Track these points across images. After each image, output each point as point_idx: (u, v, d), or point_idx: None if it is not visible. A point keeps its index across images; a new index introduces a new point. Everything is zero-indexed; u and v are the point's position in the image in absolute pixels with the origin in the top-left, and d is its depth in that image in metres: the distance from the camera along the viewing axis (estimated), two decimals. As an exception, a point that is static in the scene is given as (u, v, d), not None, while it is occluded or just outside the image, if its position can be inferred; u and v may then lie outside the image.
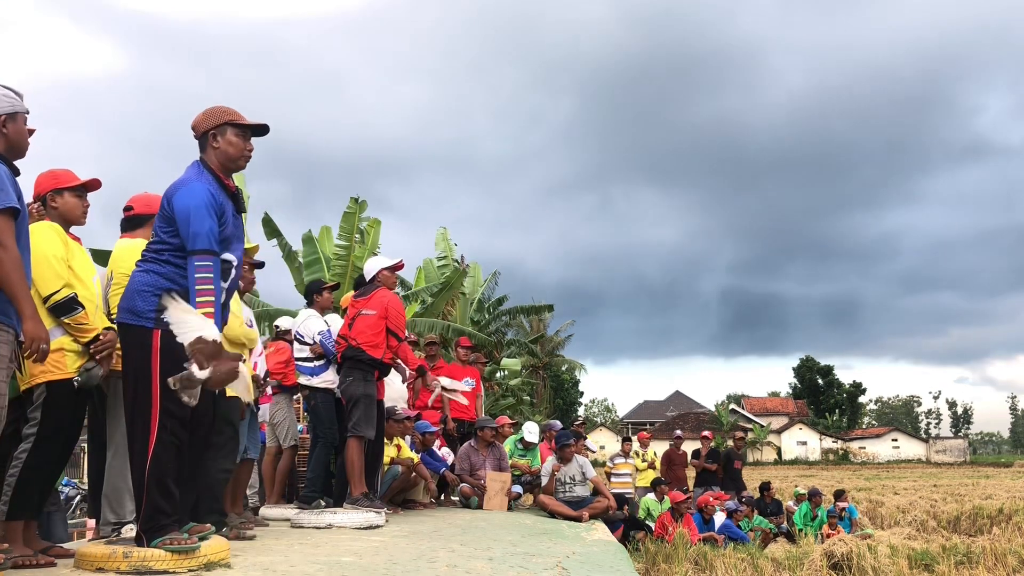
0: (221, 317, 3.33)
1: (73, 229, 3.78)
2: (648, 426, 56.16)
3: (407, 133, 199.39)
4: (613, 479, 12.46)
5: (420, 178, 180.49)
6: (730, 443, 14.02)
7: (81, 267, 3.66)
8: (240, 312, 4.53)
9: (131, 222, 4.24)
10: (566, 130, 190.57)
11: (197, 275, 3.14)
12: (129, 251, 4.13)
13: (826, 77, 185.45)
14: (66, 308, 3.47)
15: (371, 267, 6.19)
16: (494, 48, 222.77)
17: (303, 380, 6.41)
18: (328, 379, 6.34)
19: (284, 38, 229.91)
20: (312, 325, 6.43)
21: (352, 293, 6.42)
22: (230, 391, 3.79)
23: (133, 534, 3.83)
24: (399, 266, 6.26)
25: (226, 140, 3.39)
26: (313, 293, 6.66)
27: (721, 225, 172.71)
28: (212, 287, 3.17)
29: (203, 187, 3.26)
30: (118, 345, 3.57)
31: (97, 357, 3.58)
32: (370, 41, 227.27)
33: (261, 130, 3.51)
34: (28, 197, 3.39)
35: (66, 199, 3.70)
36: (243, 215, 3.54)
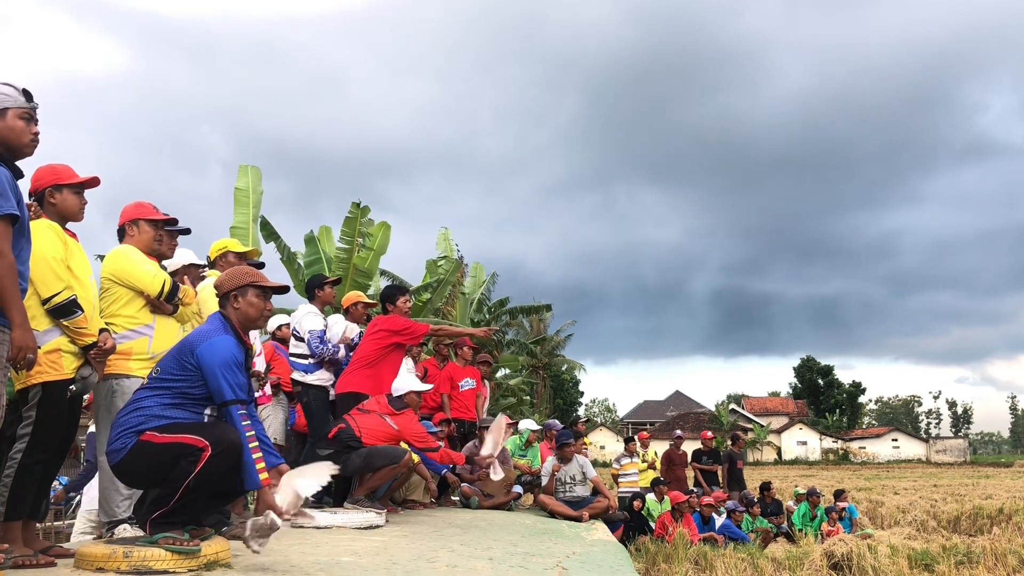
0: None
1: (69, 225, 3.75)
2: (648, 426, 56.15)
3: (410, 132, 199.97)
4: (621, 479, 12.48)
5: (422, 177, 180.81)
6: (728, 444, 14.06)
7: (79, 267, 3.64)
8: None
9: (119, 232, 4.34)
10: (569, 129, 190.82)
11: (242, 423, 3.28)
12: (112, 257, 4.19)
13: (828, 76, 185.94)
14: (66, 311, 3.45)
15: (401, 386, 6.24)
16: (497, 47, 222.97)
17: (297, 376, 6.40)
18: (323, 377, 6.36)
19: (286, 37, 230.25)
20: (307, 323, 6.42)
21: (355, 292, 6.46)
22: None
23: (127, 534, 3.84)
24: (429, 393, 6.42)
25: (247, 301, 3.51)
26: (315, 287, 6.66)
27: (721, 225, 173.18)
28: (253, 432, 3.33)
29: (230, 341, 3.38)
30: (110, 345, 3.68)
31: (93, 361, 3.59)
32: (373, 39, 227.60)
33: (282, 291, 3.67)
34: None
35: (65, 196, 3.65)
36: (250, 372, 3.63)
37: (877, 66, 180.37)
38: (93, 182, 3.77)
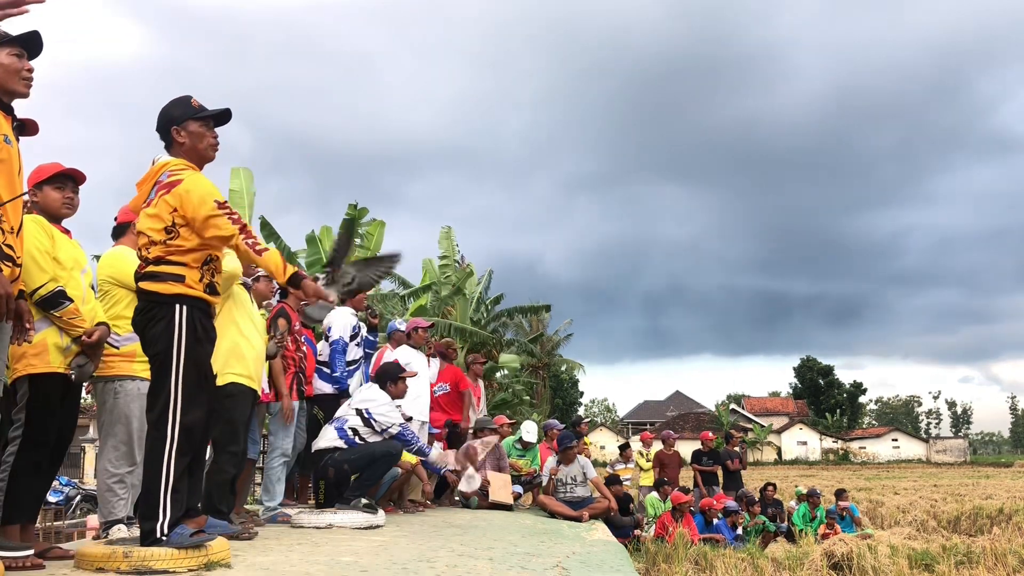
0: None
1: (65, 222, 3.76)
2: (648, 426, 56.15)
3: (427, 128, 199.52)
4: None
5: (437, 173, 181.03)
6: (725, 445, 14.16)
7: (67, 258, 3.64)
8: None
9: (114, 231, 4.34)
10: (580, 128, 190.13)
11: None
12: (109, 259, 4.22)
13: (845, 75, 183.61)
14: (53, 302, 3.46)
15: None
16: (508, 45, 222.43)
17: (321, 385, 6.42)
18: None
19: (314, 25, 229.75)
20: (338, 322, 6.46)
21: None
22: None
23: (123, 534, 3.83)
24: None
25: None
26: None
27: (728, 224, 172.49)
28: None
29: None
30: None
31: (87, 352, 3.58)
32: (397, 31, 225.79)
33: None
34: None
35: (46, 193, 3.65)
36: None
37: (893, 64, 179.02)
38: (77, 175, 3.72)
